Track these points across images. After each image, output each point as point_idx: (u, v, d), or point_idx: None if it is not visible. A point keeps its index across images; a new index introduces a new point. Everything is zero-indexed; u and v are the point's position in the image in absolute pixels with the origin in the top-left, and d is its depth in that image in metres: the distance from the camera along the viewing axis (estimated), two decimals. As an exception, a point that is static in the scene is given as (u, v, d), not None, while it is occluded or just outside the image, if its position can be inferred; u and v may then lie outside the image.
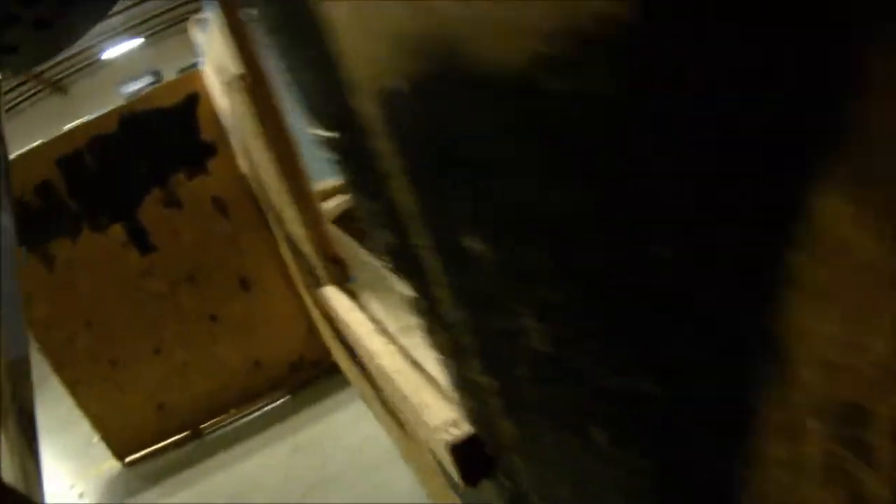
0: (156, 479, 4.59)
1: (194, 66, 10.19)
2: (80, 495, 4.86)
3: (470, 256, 0.67)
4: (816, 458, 0.39)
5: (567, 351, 0.61)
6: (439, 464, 1.65)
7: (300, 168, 1.81)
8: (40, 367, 7.86)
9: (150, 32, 20.53)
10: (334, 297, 1.81)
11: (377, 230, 0.94)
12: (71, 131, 4.39)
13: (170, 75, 18.93)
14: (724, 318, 0.41)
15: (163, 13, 19.25)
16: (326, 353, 4.75)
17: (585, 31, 0.39)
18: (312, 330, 4.74)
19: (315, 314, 4.26)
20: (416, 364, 1.35)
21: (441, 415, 1.14)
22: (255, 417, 4.82)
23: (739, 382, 0.42)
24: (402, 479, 3.26)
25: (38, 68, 18.70)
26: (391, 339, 1.48)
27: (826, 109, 0.29)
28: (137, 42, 20.71)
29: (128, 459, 4.84)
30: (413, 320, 1.52)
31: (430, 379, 1.27)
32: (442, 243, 0.75)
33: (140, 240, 4.39)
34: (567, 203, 0.50)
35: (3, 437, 1.50)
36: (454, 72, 0.54)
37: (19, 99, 19.85)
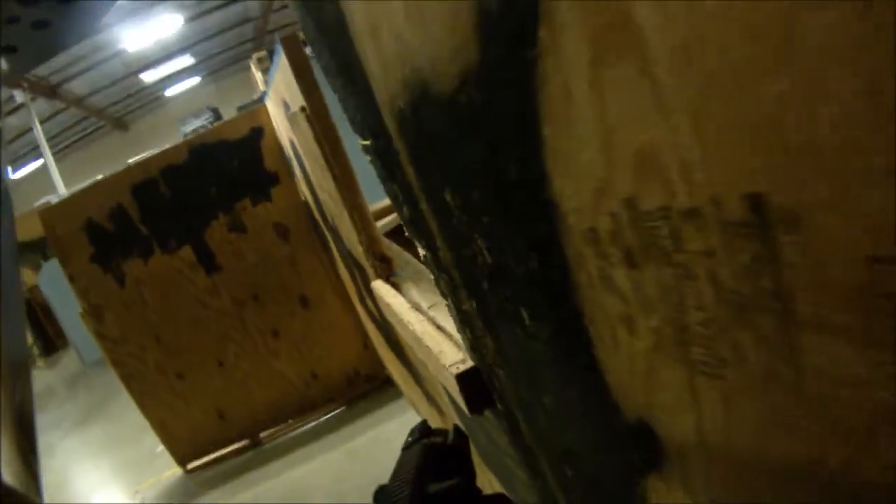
0: (215, 483, 4.88)
1: (253, 103, 10.62)
2: (142, 499, 5.18)
3: (448, 208, 1.00)
4: (594, 273, 0.63)
5: (498, 256, 0.91)
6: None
7: (355, 183, 2.16)
8: (103, 388, 8.28)
9: (208, 72, 21.24)
10: (380, 287, 2.14)
11: (401, 208, 1.27)
12: (145, 161, 4.77)
13: (227, 112, 19.54)
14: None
15: (220, 52, 19.92)
16: (380, 367, 5.09)
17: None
18: (367, 346, 5.07)
19: (370, 328, 4.57)
20: (439, 328, 1.66)
21: (452, 356, 1.44)
22: (311, 427, 5.12)
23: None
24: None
25: (101, 104, 19.48)
26: (423, 312, 1.80)
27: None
28: (196, 80, 21.40)
29: (189, 466, 5.15)
30: (439, 298, 1.86)
31: (449, 336, 1.57)
32: (434, 204, 1.08)
33: (207, 261, 4.75)
34: (482, 166, 0.82)
35: (3, 437, 1.53)
36: (424, 96, 0.89)
37: (82, 134, 20.63)
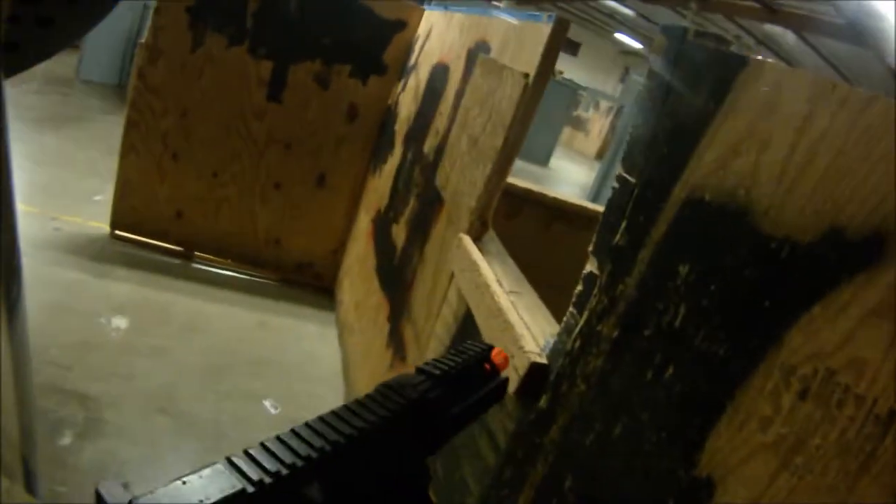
0: (129, 262, 4.88)
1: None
2: (56, 229, 5.09)
3: (673, 270, 1.19)
4: None
5: (685, 326, 1.12)
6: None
7: (515, 155, 2.25)
8: (76, 107, 8.11)
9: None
10: (468, 242, 2.27)
11: (614, 231, 1.40)
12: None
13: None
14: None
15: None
16: (332, 276, 5.22)
17: None
18: (336, 252, 5.18)
19: (359, 241, 4.59)
20: (517, 310, 1.80)
21: (531, 345, 1.58)
22: (244, 279, 5.19)
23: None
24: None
25: None
26: (505, 291, 1.92)
27: None
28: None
29: (117, 232, 5.10)
30: (519, 288, 1.98)
31: (527, 326, 1.71)
32: (657, 257, 1.26)
33: (275, 87, 4.77)
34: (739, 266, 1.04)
35: (2, 436, 1.50)
36: (724, 217, 1.08)
37: None
